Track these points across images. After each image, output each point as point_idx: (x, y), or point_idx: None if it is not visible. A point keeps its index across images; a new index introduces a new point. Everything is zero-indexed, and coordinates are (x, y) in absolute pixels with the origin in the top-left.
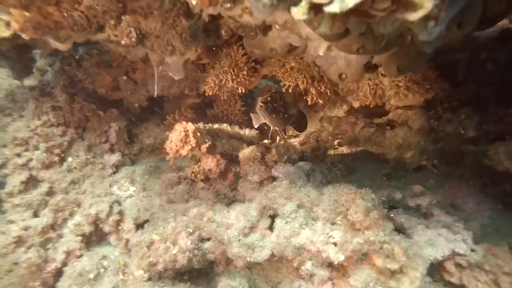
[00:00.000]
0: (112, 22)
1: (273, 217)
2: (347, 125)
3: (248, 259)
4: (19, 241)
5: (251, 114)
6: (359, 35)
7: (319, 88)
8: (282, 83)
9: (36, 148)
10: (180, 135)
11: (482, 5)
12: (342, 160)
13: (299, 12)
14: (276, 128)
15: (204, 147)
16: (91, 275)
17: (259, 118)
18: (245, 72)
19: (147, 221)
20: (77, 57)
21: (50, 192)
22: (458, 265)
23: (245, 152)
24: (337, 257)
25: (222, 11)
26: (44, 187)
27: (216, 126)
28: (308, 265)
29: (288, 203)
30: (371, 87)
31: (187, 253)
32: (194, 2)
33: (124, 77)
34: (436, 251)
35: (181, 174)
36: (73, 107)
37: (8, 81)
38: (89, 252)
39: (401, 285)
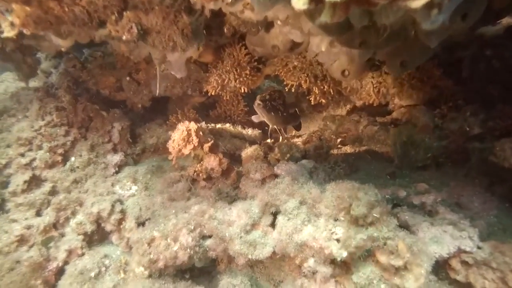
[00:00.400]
0: (113, 17)
1: (275, 214)
2: (351, 123)
3: (250, 256)
4: (21, 240)
5: (253, 117)
6: (361, 29)
7: (322, 87)
8: (285, 83)
9: (40, 148)
10: (182, 134)
11: None
12: (345, 159)
13: (299, 2)
14: (275, 126)
15: (206, 146)
16: (92, 274)
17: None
18: (247, 72)
19: (149, 219)
20: (81, 59)
21: (53, 192)
22: (464, 263)
23: (248, 151)
24: (340, 253)
25: (223, 6)
26: (47, 187)
27: (218, 125)
28: (311, 262)
29: (290, 200)
30: (375, 85)
31: (188, 250)
32: None
33: (128, 78)
34: (441, 248)
35: (183, 173)
36: (76, 108)
37: (15, 84)
38: (91, 251)
39: (405, 282)
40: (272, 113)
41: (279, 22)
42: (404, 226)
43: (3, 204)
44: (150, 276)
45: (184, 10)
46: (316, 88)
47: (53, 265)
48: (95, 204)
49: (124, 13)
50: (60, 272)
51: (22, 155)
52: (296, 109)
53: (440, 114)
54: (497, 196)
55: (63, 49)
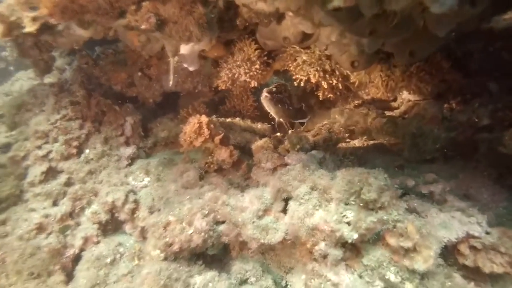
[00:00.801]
0: (133, 7)
1: (286, 200)
2: (359, 116)
3: (262, 240)
4: (40, 228)
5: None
6: (371, 18)
7: (330, 81)
8: (294, 77)
9: (56, 140)
10: (194, 127)
11: None
12: (354, 152)
13: None
14: (281, 119)
15: (217, 138)
16: (108, 260)
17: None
18: (257, 66)
19: (161, 209)
20: (93, 56)
21: (69, 183)
22: (473, 248)
23: (258, 143)
24: (351, 235)
25: None
26: (63, 178)
27: (229, 119)
28: (322, 245)
29: (301, 186)
30: (383, 79)
31: (202, 233)
32: None
33: (139, 73)
34: (450, 233)
35: (195, 165)
36: (90, 102)
37: (29, 82)
38: (106, 239)
39: (414, 263)
40: (279, 105)
41: (290, 14)
42: (413, 212)
43: (21, 195)
44: (165, 258)
45: (199, 1)
46: (325, 83)
47: (70, 252)
48: (110, 194)
49: (143, 3)
50: (76, 258)
51: (39, 147)
52: (303, 104)
53: (448, 108)
54: (507, 188)
55: (76, 47)
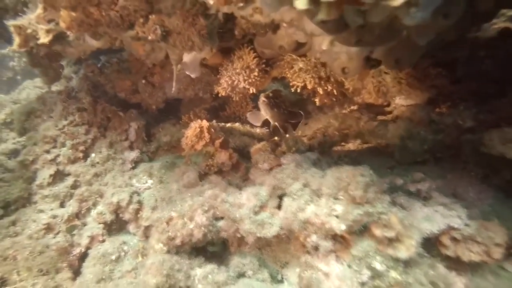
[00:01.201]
0: (141, 20)
1: (281, 197)
2: (352, 120)
3: (258, 235)
4: (48, 228)
5: (249, 116)
6: (356, 28)
7: (326, 88)
8: (291, 84)
9: (63, 145)
10: (195, 131)
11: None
12: (348, 155)
13: (301, 3)
14: (277, 123)
15: (217, 142)
16: (113, 257)
17: (260, 116)
18: (256, 73)
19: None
20: (99, 65)
21: (75, 185)
22: (453, 239)
23: (256, 146)
24: (339, 226)
25: (235, 10)
26: (70, 180)
27: (229, 124)
28: (313, 237)
29: (295, 183)
30: (374, 85)
31: (203, 228)
32: (211, 2)
33: (143, 81)
34: (432, 225)
35: (196, 167)
36: (96, 109)
37: (35, 91)
38: (111, 238)
39: (397, 252)
40: (275, 110)
41: (284, 24)
42: (399, 207)
43: (30, 197)
44: (168, 251)
45: (201, 14)
46: (321, 89)
47: (77, 250)
48: (114, 195)
49: (150, 16)
50: (83, 257)
51: (48, 151)
52: (298, 109)
53: (439, 113)
54: (493, 187)
55: (83, 56)
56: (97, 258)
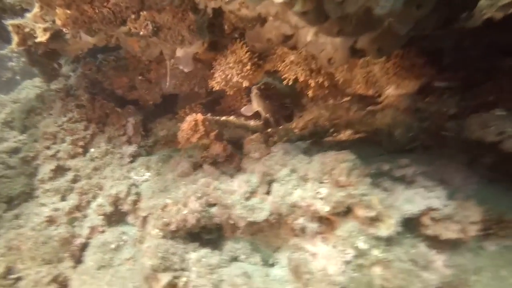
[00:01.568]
0: (133, 16)
1: (270, 183)
2: (342, 110)
3: (249, 219)
4: (50, 220)
5: (243, 109)
6: (337, 19)
7: (317, 80)
8: (283, 77)
9: (63, 141)
10: (190, 124)
11: None
12: (339, 144)
13: None
14: (268, 114)
15: (212, 134)
16: (113, 246)
17: (252, 107)
18: (248, 67)
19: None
20: (96, 63)
21: (75, 179)
22: (433, 219)
23: (250, 138)
24: (323, 208)
25: (222, 5)
26: (70, 175)
27: (223, 118)
28: (301, 220)
29: (283, 169)
30: (363, 75)
31: (196, 214)
32: None
33: (140, 77)
34: (413, 207)
35: (191, 160)
36: (94, 105)
37: (34, 90)
38: (110, 228)
39: (378, 231)
40: (267, 101)
41: (271, 18)
42: (382, 190)
43: (32, 192)
44: (164, 237)
45: (190, 9)
46: (312, 81)
47: (78, 241)
48: (113, 187)
49: (141, 12)
50: (84, 247)
51: (48, 147)
52: (289, 100)
53: (425, 100)
54: (478, 172)
55: (80, 54)
56: (97, 247)
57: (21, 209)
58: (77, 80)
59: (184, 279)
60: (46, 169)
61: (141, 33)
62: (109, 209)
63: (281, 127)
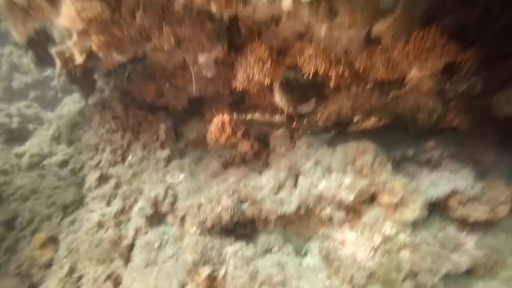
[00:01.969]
0: (157, 33)
1: (297, 177)
2: (364, 98)
3: (278, 212)
4: (100, 225)
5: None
6: (347, 12)
7: (337, 70)
8: (303, 71)
9: (104, 151)
10: (217, 126)
11: None
12: (364, 132)
13: (286, 2)
14: (291, 107)
15: (239, 133)
16: (156, 245)
17: (276, 102)
18: (268, 65)
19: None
20: (126, 74)
21: (118, 186)
22: (460, 202)
23: (275, 134)
24: (348, 197)
25: (237, 12)
26: (112, 182)
27: (249, 116)
28: (328, 210)
29: (307, 162)
30: (383, 62)
31: (229, 210)
32: (214, 9)
33: (167, 85)
34: (438, 190)
35: (221, 160)
36: (128, 115)
37: (74, 105)
38: (152, 229)
39: (403, 216)
40: (290, 96)
41: (284, 18)
42: (406, 175)
43: (82, 200)
44: (201, 233)
45: (208, 19)
46: (333, 72)
47: (125, 242)
48: (152, 191)
49: (164, 28)
50: (131, 247)
51: (91, 158)
52: (312, 93)
53: (449, 79)
54: (510, 150)
55: (111, 67)
56: (142, 247)
57: (75, 216)
58: (111, 93)
59: (222, 271)
60: (91, 178)
61: (165, 47)
62: (149, 211)
63: (305, 120)
